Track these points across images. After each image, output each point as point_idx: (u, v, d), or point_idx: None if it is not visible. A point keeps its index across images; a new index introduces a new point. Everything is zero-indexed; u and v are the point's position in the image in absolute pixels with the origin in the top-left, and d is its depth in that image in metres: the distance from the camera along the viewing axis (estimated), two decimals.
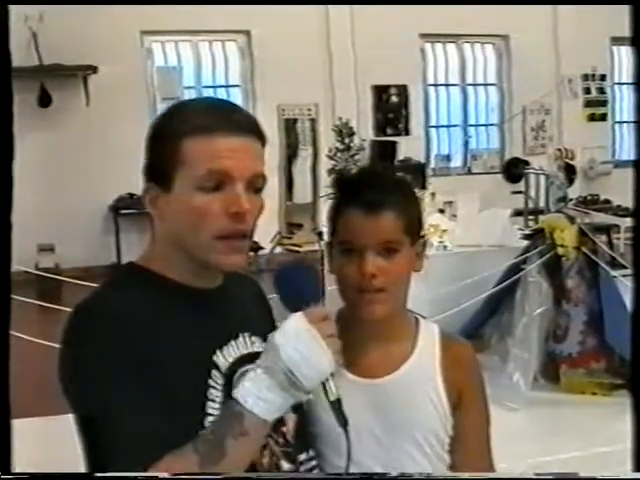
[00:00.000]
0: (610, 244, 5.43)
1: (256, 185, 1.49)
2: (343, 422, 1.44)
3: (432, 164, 11.90)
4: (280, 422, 1.54)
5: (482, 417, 1.74)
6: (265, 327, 1.57)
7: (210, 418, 1.43)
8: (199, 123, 1.47)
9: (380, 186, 1.65)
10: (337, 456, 1.63)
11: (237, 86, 11.04)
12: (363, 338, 1.68)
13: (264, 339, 1.52)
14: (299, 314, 1.38)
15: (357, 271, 1.61)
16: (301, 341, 1.35)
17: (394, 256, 1.62)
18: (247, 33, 10.82)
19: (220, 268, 1.52)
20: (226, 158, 1.45)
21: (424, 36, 11.64)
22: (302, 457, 1.58)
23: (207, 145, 1.45)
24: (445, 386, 1.68)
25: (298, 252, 10.21)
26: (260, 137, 1.51)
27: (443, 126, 12.35)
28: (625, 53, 12.27)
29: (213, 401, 1.44)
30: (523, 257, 5.27)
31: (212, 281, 1.54)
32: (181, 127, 1.48)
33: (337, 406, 1.41)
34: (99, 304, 1.47)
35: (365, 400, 1.65)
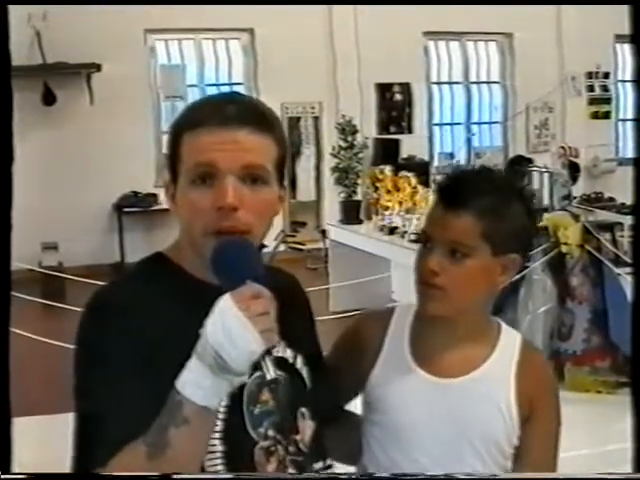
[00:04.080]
0: (614, 242, 5.41)
1: (255, 177, 1.45)
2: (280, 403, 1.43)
3: (436, 162, 11.88)
4: (293, 430, 1.53)
5: (550, 434, 1.69)
6: (297, 331, 1.55)
7: (219, 422, 1.43)
8: (192, 118, 1.48)
9: (472, 188, 1.59)
10: (396, 449, 1.63)
11: (240, 84, 11.03)
12: (438, 336, 1.64)
13: (291, 343, 1.52)
14: (227, 294, 1.31)
15: (422, 264, 1.59)
16: (226, 323, 1.28)
17: (463, 260, 1.57)
18: (251, 31, 10.81)
19: None
20: (212, 150, 1.43)
21: (427, 34, 11.62)
22: (318, 466, 1.55)
23: (196, 139, 1.45)
24: (517, 398, 1.63)
25: (302, 250, 10.22)
26: (264, 128, 1.47)
27: (446, 124, 12.33)
28: (629, 51, 12.24)
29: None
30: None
31: None
32: (180, 123, 1.51)
33: (274, 387, 1.37)
34: (110, 297, 1.49)
35: (432, 399, 1.63)
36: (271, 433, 1.49)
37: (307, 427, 1.55)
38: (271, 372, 1.34)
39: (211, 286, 1.44)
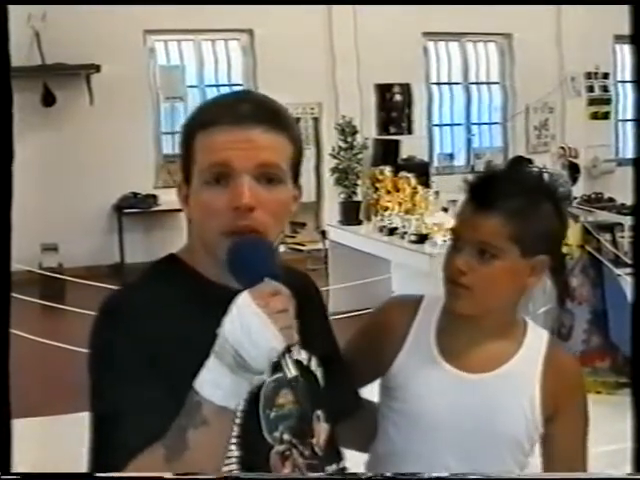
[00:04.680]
0: (614, 242, 5.41)
1: (270, 176, 1.42)
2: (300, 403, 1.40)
3: (435, 163, 11.90)
4: (309, 433, 1.51)
5: (577, 432, 1.70)
6: (311, 332, 1.51)
7: (235, 427, 1.40)
8: (204, 117, 1.45)
9: (502, 189, 1.59)
10: (415, 438, 1.63)
11: (240, 85, 11.03)
12: (465, 332, 1.65)
13: (306, 344, 1.48)
14: (245, 292, 1.29)
15: (450, 263, 1.59)
16: (244, 320, 1.26)
17: (491, 260, 1.57)
18: (250, 32, 10.81)
19: None
20: (226, 150, 1.40)
21: (427, 35, 11.63)
22: (331, 469, 1.54)
23: (209, 138, 1.42)
24: (542, 397, 1.64)
25: (302, 251, 10.22)
26: (278, 126, 1.44)
27: (446, 125, 12.33)
28: (628, 51, 12.24)
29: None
30: None
31: None
32: (192, 122, 1.48)
33: (295, 385, 1.33)
34: (121, 301, 1.46)
35: (455, 393, 1.63)
36: (287, 437, 1.48)
37: (322, 430, 1.53)
38: (292, 370, 1.31)
39: (226, 288, 1.42)
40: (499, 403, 1.62)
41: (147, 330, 1.38)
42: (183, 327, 1.41)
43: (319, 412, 1.54)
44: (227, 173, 1.41)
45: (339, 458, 1.58)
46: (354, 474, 1.55)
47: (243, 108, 1.43)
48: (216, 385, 1.29)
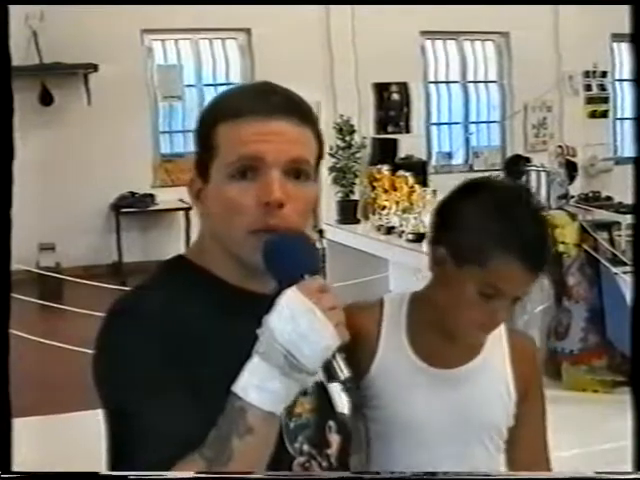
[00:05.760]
0: (611, 241, 5.41)
1: (300, 172, 1.37)
2: (358, 404, 1.32)
3: (433, 161, 11.90)
4: (325, 444, 1.47)
5: (543, 412, 1.74)
6: None
7: None
8: (230, 108, 1.39)
9: (547, 242, 1.60)
10: (400, 442, 1.62)
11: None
12: (433, 326, 1.64)
13: None
14: (293, 288, 1.22)
15: (493, 318, 1.57)
16: (297, 318, 1.19)
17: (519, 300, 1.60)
18: (248, 31, 10.81)
19: (257, 268, 1.35)
20: (257, 142, 1.34)
21: (425, 33, 11.63)
22: None
23: (237, 130, 1.35)
24: (514, 380, 1.67)
25: None
26: (305, 120, 1.40)
27: (444, 123, 12.33)
28: (626, 50, 12.24)
29: None
30: None
31: (267, 284, 1.37)
32: (213, 114, 1.42)
33: (349, 386, 1.24)
34: (135, 303, 1.39)
35: (439, 391, 1.63)
36: (306, 448, 1.43)
37: (333, 441, 1.49)
38: (344, 371, 1.24)
39: (242, 289, 1.39)
40: (480, 394, 1.64)
41: (163, 333, 1.31)
42: (200, 330, 1.34)
43: (331, 423, 1.49)
44: (256, 167, 1.35)
45: (348, 470, 1.54)
46: (356, 472, 1.54)
47: (273, 99, 1.38)
48: (263, 389, 1.21)
